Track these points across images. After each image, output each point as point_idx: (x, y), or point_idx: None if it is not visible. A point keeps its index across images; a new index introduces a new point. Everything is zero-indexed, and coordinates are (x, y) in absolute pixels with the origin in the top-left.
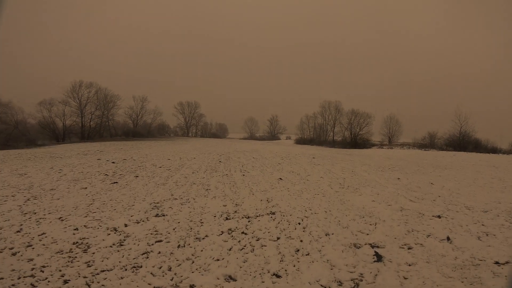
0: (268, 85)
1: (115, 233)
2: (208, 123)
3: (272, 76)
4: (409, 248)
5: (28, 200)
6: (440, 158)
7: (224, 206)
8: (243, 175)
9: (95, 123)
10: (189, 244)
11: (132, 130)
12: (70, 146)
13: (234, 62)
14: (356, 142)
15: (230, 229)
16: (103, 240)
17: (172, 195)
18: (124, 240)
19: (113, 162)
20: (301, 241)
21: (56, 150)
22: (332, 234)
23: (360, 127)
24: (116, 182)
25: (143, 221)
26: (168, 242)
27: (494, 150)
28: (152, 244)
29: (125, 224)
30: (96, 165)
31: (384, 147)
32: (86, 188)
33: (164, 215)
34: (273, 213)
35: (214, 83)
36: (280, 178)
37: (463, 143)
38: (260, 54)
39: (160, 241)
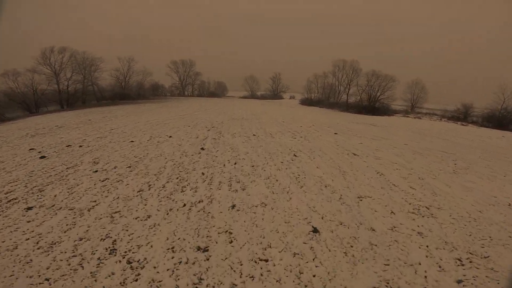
0: (273, 46)
1: None
2: (205, 82)
3: (280, 35)
4: None
5: None
6: (486, 139)
7: None
8: (233, 205)
9: (73, 89)
10: None
11: (120, 93)
12: (32, 121)
13: (238, 20)
14: (374, 107)
15: None
16: None
17: None
18: None
19: (42, 157)
20: None
21: (8, 130)
22: None
23: (381, 90)
24: None
25: None
26: None
27: None
28: None
29: None
30: (7, 169)
31: (410, 115)
32: None
33: None
34: None
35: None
36: (313, 230)
37: (505, 120)
38: (268, 13)
39: None
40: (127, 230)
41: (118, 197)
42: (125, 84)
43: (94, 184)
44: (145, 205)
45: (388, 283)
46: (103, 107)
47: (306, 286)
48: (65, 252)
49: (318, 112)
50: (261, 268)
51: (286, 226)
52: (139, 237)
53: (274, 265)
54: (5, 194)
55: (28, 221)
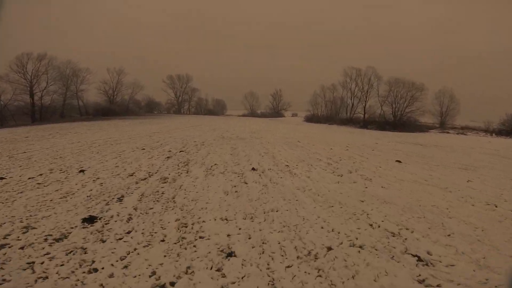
0: (274, 64)
1: None
2: (203, 99)
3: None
4: None
5: None
6: None
7: None
8: None
9: (49, 101)
10: None
11: (104, 107)
12: None
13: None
14: (402, 122)
15: None
16: None
17: None
18: None
19: None
20: None
21: None
22: None
23: (408, 102)
24: None
25: None
26: None
27: None
28: None
29: None
30: None
31: (449, 131)
32: None
33: None
34: None
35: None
36: None
37: None
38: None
39: None
40: None
41: None
42: (114, 98)
43: None
44: None
45: None
46: (74, 123)
47: None
48: None
49: (332, 130)
50: None
51: None
52: None
53: None
54: None
55: None
